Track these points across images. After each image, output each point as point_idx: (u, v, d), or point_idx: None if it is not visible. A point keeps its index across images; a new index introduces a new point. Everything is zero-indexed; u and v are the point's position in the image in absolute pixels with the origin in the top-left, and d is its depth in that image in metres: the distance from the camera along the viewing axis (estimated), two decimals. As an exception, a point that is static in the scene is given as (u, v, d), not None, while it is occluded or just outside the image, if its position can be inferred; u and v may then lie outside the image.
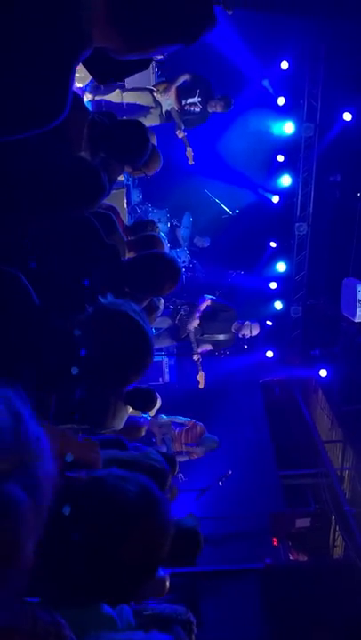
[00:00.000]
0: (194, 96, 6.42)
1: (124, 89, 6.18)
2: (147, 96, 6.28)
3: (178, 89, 6.32)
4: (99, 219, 2.64)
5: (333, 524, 7.80)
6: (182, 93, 6.35)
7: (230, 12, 6.22)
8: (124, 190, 6.44)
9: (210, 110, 6.48)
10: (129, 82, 6.35)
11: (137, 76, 5.92)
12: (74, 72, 1.19)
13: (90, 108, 4.89)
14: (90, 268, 2.25)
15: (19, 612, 0.82)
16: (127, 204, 6.67)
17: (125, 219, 5.85)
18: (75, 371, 1.69)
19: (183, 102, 6.39)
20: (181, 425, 6.30)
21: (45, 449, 0.62)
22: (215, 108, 6.44)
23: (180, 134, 6.45)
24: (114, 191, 4.04)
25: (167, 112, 6.39)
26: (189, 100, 6.42)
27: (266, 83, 8.96)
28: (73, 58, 1.18)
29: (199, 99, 6.41)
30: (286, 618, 5.62)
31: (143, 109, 6.26)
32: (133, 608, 1.88)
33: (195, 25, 1.29)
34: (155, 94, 6.29)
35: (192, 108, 6.47)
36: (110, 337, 1.81)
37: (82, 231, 2.39)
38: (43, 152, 1.97)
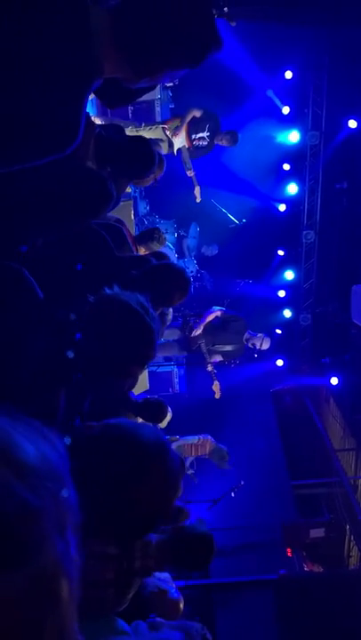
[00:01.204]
0: (203, 131, 6.69)
1: (137, 127, 6.45)
2: (159, 132, 6.54)
3: (188, 125, 6.57)
4: (109, 231, 2.65)
5: (348, 533, 7.71)
6: (192, 128, 6.61)
7: (233, 24, 6.29)
8: (132, 202, 6.49)
9: (217, 143, 6.74)
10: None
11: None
12: (86, 102, 1.23)
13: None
14: (99, 280, 2.25)
15: None
16: (134, 215, 6.72)
17: (133, 230, 5.88)
18: (71, 354, 1.69)
19: (193, 137, 6.64)
20: (191, 444, 6.34)
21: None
22: (222, 141, 6.76)
23: (190, 173, 6.81)
24: (121, 203, 4.06)
25: (178, 150, 6.70)
26: (198, 135, 6.68)
27: (270, 93, 9.01)
28: (85, 88, 1.23)
29: (208, 133, 6.66)
30: (301, 629, 5.55)
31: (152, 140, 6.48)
32: (149, 625, 1.86)
33: (200, 48, 1.32)
34: (166, 131, 6.55)
35: (200, 143, 6.76)
36: (110, 326, 1.81)
37: (92, 243, 2.41)
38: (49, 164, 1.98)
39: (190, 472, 5.91)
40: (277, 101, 9.04)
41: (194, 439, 6.32)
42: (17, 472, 0.53)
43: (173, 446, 5.94)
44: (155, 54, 1.28)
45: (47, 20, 1.16)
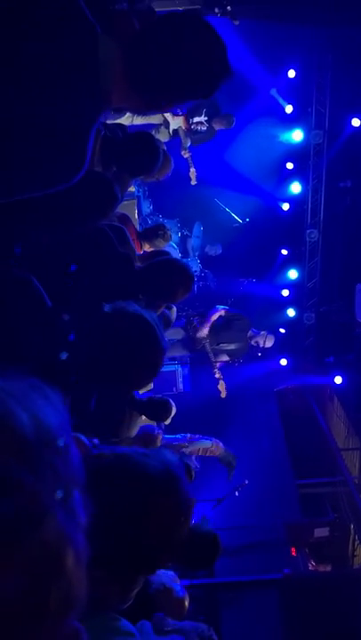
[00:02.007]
0: (200, 115, 6.63)
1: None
2: (156, 116, 6.45)
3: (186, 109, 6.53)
4: (111, 231, 2.65)
5: (352, 533, 7.70)
6: (189, 113, 6.55)
7: (237, 23, 6.29)
8: (135, 201, 6.49)
9: (216, 127, 6.70)
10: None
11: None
12: (93, 132, 1.24)
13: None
14: (103, 275, 2.26)
15: None
16: (138, 214, 6.72)
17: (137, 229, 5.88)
18: (64, 356, 1.69)
19: (190, 121, 6.60)
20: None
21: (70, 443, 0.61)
22: (220, 124, 6.70)
23: (186, 154, 6.73)
24: (125, 202, 4.07)
25: (174, 131, 6.61)
26: (196, 119, 6.66)
27: (274, 92, 9.01)
28: (92, 120, 1.25)
29: (205, 117, 6.62)
30: (306, 628, 5.54)
31: (152, 127, 6.42)
32: (154, 625, 1.86)
33: (210, 83, 1.33)
34: (163, 114, 6.48)
35: (199, 127, 6.73)
36: (124, 339, 1.81)
37: (95, 239, 2.41)
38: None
39: (194, 466, 5.90)
40: (281, 100, 9.03)
41: (207, 443, 6.28)
42: (11, 448, 0.52)
43: (186, 451, 5.93)
44: (164, 89, 1.29)
45: (56, 50, 1.17)
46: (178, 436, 5.88)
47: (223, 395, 6.63)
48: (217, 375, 6.49)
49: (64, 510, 0.55)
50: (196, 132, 6.69)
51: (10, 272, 1.72)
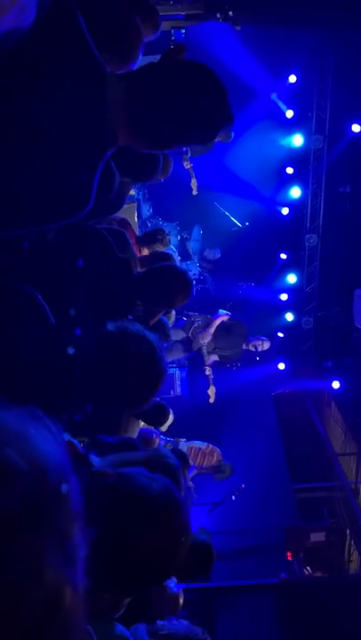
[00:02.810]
0: None
1: None
2: None
3: None
4: (112, 235, 2.66)
5: (349, 538, 7.70)
6: None
7: (238, 28, 6.30)
8: (135, 204, 6.50)
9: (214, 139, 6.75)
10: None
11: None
12: (99, 170, 1.26)
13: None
14: (102, 282, 2.26)
15: None
16: (138, 217, 6.74)
17: (136, 233, 5.90)
18: (71, 350, 1.70)
19: None
20: (199, 449, 6.31)
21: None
22: (218, 137, 6.74)
23: (187, 165, 6.78)
24: (125, 206, 4.08)
25: None
26: None
27: (275, 96, 9.03)
28: (99, 158, 1.27)
29: None
30: (302, 633, 5.54)
31: None
32: (148, 628, 1.87)
33: (211, 130, 1.36)
34: None
35: None
36: (122, 361, 1.84)
37: (95, 245, 2.41)
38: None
39: (190, 484, 5.91)
40: (281, 105, 9.05)
41: (203, 444, 6.30)
42: (10, 489, 0.52)
43: (182, 447, 5.95)
44: (166, 134, 1.32)
45: (65, 90, 1.19)
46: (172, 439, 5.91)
47: (212, 400, 6.64)
48: (207, 372, 6.51)
49: (63, 556, 0.55)
50: None
51: (14, 287, 1.73)
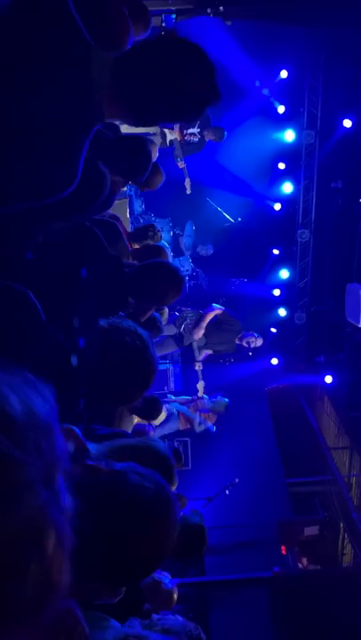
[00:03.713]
0: (194, 126, 6.85)
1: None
2: (154, 127, 6.60)
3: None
4: (104, 228, 2.66)
5: (342, 531, 7.75)
6: (184, 124, 6.71)
7: (229, 23, 6.30)
8: (127, 200, 6.49)
9: (206, 139, 6.90)
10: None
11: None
12: (86, 146, 1.25)
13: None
14: (93, 279, 2.27)
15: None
16: (130, 213, 6.73)
17: (128, 228, 5.89)
18: (75, 361, 1.71)
19: (185, 132, 6.83)
20: (188, 402, 6.49)
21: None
22: (209, 136, 6.94)
23: (181, 165, 6.93)
24: (116, 202, 4.07)
25: (171, 142, 6.86)
26: (190, 131, 6.89)
27: (266, 92, 9.03)
28: (85, 134, 1.26)
29: (198, 129, 6.79)
30: (295, 626, 5.57)
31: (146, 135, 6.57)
32: (142, 623, 1.88)
33: (198, 106, 1.35)
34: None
35: (192, 138, 6.94)
36: (114, 357, 1.85)
37: (85, 242, 2.41)
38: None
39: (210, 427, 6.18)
40: (272, 99, 9.04)
41: (187, 398, 6.51)
42: (1, 425, 0.54)
43: (172, 408, 6.11)
44: (154, 106, 1.31)
45: (50, 66, 1.18)
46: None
47: (200, 394, 6.71)
48: (197, 367, 6.57)
49: (48, 490, 0.57)
50: (189, 142, 6.93)
51: (6, 284, 1.73)
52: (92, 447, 1.40)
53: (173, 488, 1.47)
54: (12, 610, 0.52)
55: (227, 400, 6.58)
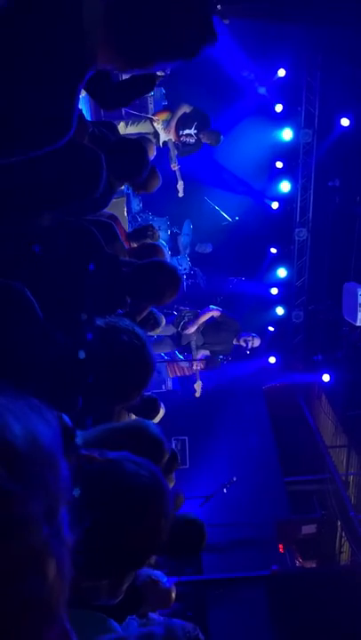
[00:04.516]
0: (191, 128, 6.76)
1: (127, 122, 6.47)
2: (147, 125, 6.58)
3: (177, 121, 6.68)
4: (100, 228, 2.66)
5: (339, 529, 7.76)
6: (180, 125, 6.67)
7: (226, 21, 6.30)
8: (125, 199, 6.48)
9: (203, 141, 6.83)
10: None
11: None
12: (79, 92, 1.22)
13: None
14: (90, 277, 2.27)
15: None
16: (127, 212, 6.73)
17: (126, 227, 5.88)
18: (82, 355, 1.72)
19: (180, 133, 6.73)
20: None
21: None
22: (205, 139, 6.82)
23: (175, 167, 6.82)
24: (114, 200, 4.07)
25: (164, 143, 6.77)
26: (186, 132, 6.77)
27: (263, 90, 9.01)
28: (78, 79, 1.22)
29: (195, 130, 6.73)
30: (293, 624, 5.58)
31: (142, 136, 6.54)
32: (140, 623, 1.89)
33: (194, 42, 1.32)
34: (154, 124, 6.57)
35: (187, 139, 6.83)
36: (112, 356, 1.86)
37: (82, 241, 2.41)
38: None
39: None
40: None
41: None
42: (3, 458, 0.53)
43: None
44: (148, 46, 1.28)
45: (39, 11, 1.15)
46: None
47: (197, 394, 6.71)
48: (194, 367, 6.57)
49: (49, 526, 0.56)
50: (185, 144, 6.84)
51: (2, 283, 1.73)
52: (81, 435, 1.41)
53: (177, 506, 1.48)
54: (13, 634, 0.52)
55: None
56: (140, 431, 1.71)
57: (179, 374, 6.62)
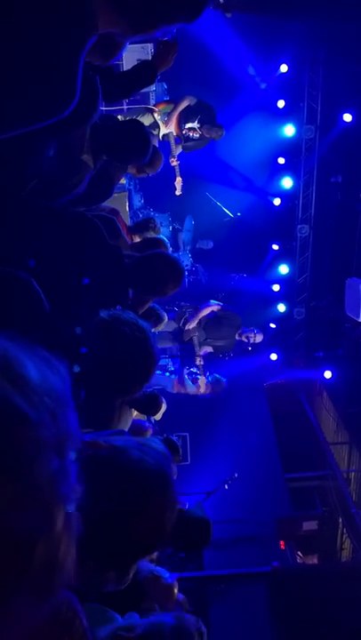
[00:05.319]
0: (194, 121, 6.43)
1: (125, 116, 6.24)
2: (147, 117, 6.32)
3: (180, 113, 6.34)
4: (102, 223, 2.64)
5: (341, 526, 7.76)
6: (183, 118, 6.37)
7: (229, 15, 6.25)
8: (126, 194, 6.46)
9: (206, 136, 6.50)
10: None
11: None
12: (82, 58, 1.19)
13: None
14: (93, 270, 2.25)
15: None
16: (129, 208, 6.69)
17: (128, 222, 5.86)
18: (77, 369, 1.70)
19: (182, 126, 6.41)
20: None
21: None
22: (209, 134, 6.47)
23: (174, 163, 6.56)
24: (116, 194, 4.05)
25: (165, 136, 6.45)
26: (188, 125, 6.44)
27: (264, 86, 8.97)
28: (80, 44, 1.19)
29: (198, 124, 6.42)
30: (294, 621, 5.58)
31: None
32: (142, 616, 1.87)
33: (195, 4, 1.30)
34: (155, 114, 6.33)
35: (191, 134, 6.50)
36: (114, 348, 1.84)
37: (86, 233, 2.40)
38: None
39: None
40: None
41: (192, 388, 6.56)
42: (16, 385, 0.53)
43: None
44: (149, 6, 1.26)
45: None
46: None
47: (202, 390, 6.68)
48: (198, 362, 6.54)
49: (60, 460, 0.55)
50: (188, 138, 6.53)
51: (10, 272, 1.71)
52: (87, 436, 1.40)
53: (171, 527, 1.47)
54: (17, 584, 0.51)
55: (225, 380, 6.60)
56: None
57: (182, 392, 6.58)
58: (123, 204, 6.02)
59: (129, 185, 6.82)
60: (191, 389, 6.46)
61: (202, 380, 6.68)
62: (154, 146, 3.64)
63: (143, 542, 1.25)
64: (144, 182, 8.08)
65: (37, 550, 0.51)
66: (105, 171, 2.86)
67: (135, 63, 2.89)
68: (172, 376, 6.27)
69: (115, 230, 3.20)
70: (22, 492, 0.50)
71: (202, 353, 6.63)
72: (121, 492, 1.19)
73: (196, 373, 6.54)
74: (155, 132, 6.30)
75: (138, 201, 8.02)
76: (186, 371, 6.42)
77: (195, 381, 6.47)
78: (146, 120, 6.28)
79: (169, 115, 6.29)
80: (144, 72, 2.84)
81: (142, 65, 2.86)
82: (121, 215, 3.74)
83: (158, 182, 7.49)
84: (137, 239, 4.46)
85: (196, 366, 6.64)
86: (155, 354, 1.93)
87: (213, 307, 6.67)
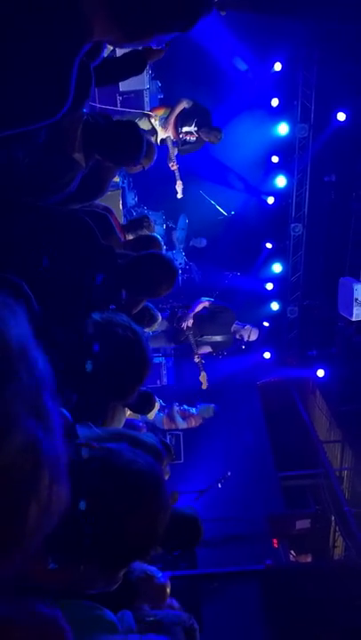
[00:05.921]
0: (191, 125, 6.44)
1: (120, 117, 6.21)
2: (145, 123, 6.33)
3: (176, 117, 6.37)
4: (95, 220, 2.63)
5: (333, 524, 7.78)
6: (180, 121, 6.38)
7: (223, 13, 6.24)
8: (120, 192, 6.44)
9: (204, 139, 6.52)
10: (124, 85, 6.40)
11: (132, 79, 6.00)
12: (76, 64, 1.20)
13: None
14: (86, 270, 2.24)
15: (18, 604, 0.82)
16: (123, 206, 6.68)
17: (121, 221, 5.85)
18: (90, 367, 1.70)
19: (179, 130, 6.42)
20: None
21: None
22: (207, 137, 6.48)
23: (173, 167, 6.56)
24: (109, 193, 4.04)
25: (162, 140, 6.47)
26: (185, 129, 6.45)
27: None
28: (75, 51, 1.20)
29: (195, 128, 6.43)
30: (287, 619, 5.60)
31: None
32: (135, 614, 1.87)
33: (191, 12, 1.30)
34: (152, 120, 6.34)
35: (188, 137, 6.51)
36: (109, 352, 1.84)
37: (78, 233, 2.38)
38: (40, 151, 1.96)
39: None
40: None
41: (195, 412, 6.51)
42: None
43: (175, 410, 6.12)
44: (146, 17, 1.26)
45: None
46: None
47: (204, 386, 6.66)
48: (197, 360, 6.51)
49: (37, 419, 0.54)
50: (185, 142, 6.54)
51: (1, 276, 1.70)
52: (81, 432, 1.39)
53: (173, 501, 1.47)
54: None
55: (213, 405, 6.55)
56: (138, 440, 1.69)
57: (173, 428, 6.54)
58: (116, 201, 6.01)
59: (123, 183, 6.81)
60: (182, 425, 6.43)
61: (203, 377, 6.67)
62: (147, 138, 3.63)
63: (136, 544, 1.25)
64: (138, 180, 8.07)
65: (31, 510, 0.52)
66: (97, 169, 2.84)
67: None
68: (161, 414, 6.24)
69: (108, 227, 3.19)
70: (7, 460, 0.51)
71: (201, 353, 6.62)
72: (115, 492, 1.19)
73: (187, 410, 6.52)
74: (153, 138, 6.31)
75: (132, 199, 8.00)
76: (176, 407, 6.38)
77: (185, 417, 6.43)
78: (143, 125, 6.29)
79: (166, 119, 6.33)
80: (134, 61, 2.90)
81: (132, 53, 2.92)
82: (114, 214, 3.73)
83: (152, 180, 7.49)
84: (130, 237, 4.45)
85: (196, 365, 6.62)
86: (148, 357, 1.92)
87: (205, 303, 6.67)
